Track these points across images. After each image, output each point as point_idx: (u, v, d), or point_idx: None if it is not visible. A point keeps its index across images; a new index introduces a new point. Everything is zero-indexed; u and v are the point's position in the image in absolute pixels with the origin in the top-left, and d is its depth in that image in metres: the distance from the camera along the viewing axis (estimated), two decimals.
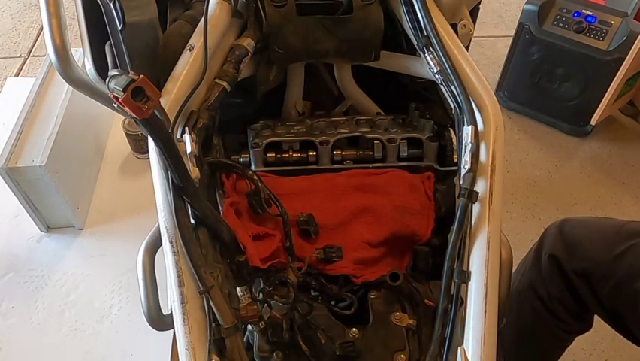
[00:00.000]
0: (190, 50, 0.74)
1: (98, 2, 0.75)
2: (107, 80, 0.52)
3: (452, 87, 0.73)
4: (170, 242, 0.63)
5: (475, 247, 0.65)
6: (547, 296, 1.00)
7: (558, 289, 0.98)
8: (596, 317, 1.06)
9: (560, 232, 0.99)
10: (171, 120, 0.69)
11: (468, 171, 0.68)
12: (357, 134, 0.85)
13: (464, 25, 0.86)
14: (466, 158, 0.69)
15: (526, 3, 1.84)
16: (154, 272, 0.76)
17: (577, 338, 1.11)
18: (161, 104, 0.67)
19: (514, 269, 1.04)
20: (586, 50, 1.76)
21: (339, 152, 0.83)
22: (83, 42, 0.81)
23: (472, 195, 0.66)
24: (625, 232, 0.92)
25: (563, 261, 0.96)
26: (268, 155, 0.83)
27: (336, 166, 0.83)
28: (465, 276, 0.64)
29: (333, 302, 0.74)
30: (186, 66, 0.73)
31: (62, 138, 1.50)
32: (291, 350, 0.68)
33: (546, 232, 1.03)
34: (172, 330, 0.65)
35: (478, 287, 0.63)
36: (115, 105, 0.51)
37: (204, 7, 0.76)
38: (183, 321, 0.60)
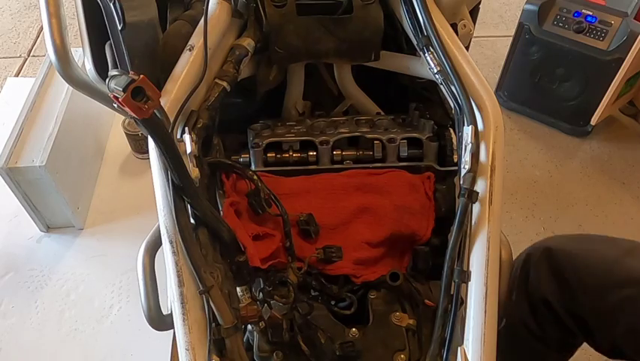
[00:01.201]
0: (190, 50, 0.74)
1: (98, 2, 0.75)
2: (107, 80, 0.52)
3: (452, 87, 0.73)
4: (170, 242, 0.63)
5: (475, 247, 0.65)
6: (542, 335, 0.97)
7: (554, 330, 0.95)
8: None
9: (547, 267, 0.92)
10: (171, 120, 0.68)
11: (468, 171, 0.68)
12: (357, 134, 0.85)
13: (464, 25, 0.86)
14: (466, 158, 0.69)
15: (526, 3, 1.84)
16: (154, 272, 0.76)
17: None
18: (161, 104, 0.67)
19: None
20: (586, 50, 1.76)
21: (339, 152, 0.83)
22: (82, 42, 0.81)
23: (472, 195, 0.66)
24: (617, 276, 0.86)
25: (556, 306, 0.92)
26: (268, 155, 0.83)
27: (336, 166, 0.83)
28: (465, 276, 0.64)
29: (333, 302, 0.74)
30: (186, 66, 0.73)
31: (62, 138, 1.50)
32: (291, 350, 0.68)
33: (530, 259, 0.95)
34: (172, 330, 0.65)
35: (478, 287, 0.63)
36: (115, 105, 0.51)
37: (204, 7, 0.76)
38: (183, 321, 0.60)
